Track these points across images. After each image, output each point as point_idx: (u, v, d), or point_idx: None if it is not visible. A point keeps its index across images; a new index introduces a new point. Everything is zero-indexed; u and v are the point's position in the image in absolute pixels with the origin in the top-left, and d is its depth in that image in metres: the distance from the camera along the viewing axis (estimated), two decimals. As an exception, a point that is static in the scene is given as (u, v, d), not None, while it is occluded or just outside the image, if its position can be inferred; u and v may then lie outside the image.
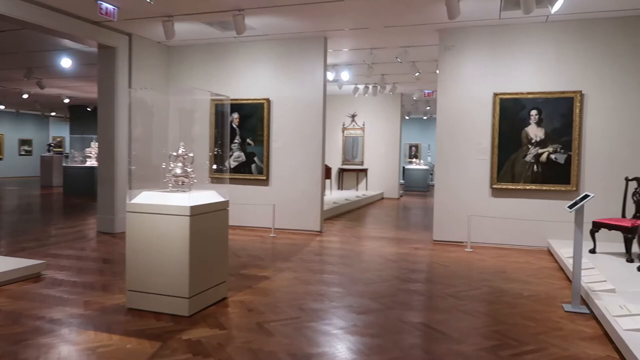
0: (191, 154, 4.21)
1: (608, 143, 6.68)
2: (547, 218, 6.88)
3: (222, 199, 4.38)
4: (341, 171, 15.28)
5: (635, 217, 5.77)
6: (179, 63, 8.93)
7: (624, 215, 5.98)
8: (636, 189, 5.88)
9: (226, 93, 8.61)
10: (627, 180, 6.05)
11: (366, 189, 14.94)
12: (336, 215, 10.46)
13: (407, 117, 19.97)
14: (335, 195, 12.71)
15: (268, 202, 8.18)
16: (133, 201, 4.07)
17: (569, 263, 5.39)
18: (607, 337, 3.57)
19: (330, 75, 10.44)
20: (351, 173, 15.20)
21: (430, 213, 11.53)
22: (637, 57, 6.54)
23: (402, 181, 17.08)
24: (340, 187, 15.28)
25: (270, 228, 8.01)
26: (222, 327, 3.73)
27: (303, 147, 8.19)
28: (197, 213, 3.97)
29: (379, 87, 12.34)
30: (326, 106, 8.39)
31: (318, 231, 8.14)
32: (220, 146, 8.81)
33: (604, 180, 6.65)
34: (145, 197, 4.06)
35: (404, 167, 18.56)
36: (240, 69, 8.52)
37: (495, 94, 7.05)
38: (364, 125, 15.10)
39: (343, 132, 15.31)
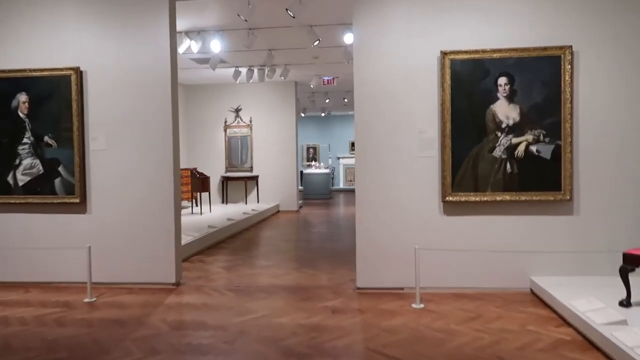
0: None
1: (617, 125, 4.40)
2: (529, 246, 4.45)
3: None
4: (225, 180, 12.11)
5: (696, 244, 3.48)
6: None
7: (666, 240, 3.68)
8: (685, 195, 3.61)
9: (4, 59, 5.13)
10: (664, 181, 3.77)
11: (257, 202, 11.95)
12: (212, 244, 7.32)
13: (302, 115, 17.33)
14: (215, 214, 9.55)
15: (84, 242, 4.84)
16: None
17: (609, 335, 2.91)
18: None
19: (195, 46, 7.32)
20: (238, 182, 12.09)
21: (338, 229, 8.90)
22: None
23: (300, 187, 14.37)
24: (224, 200, 12.10)
25: (88, 285, 4.65)
26: None
27: (143, 146, 4.97)
28: None
29: (267, 69, 9.45)
30: (177, 80, 5.28)
31: (172, 284, 4.98)
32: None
33: (616, 182, 4.36)
34: None
35: (301, 172, 15.88)
36: (28, 21, 5.06)
37: (444, 53, 4.47)
38: (251, 121, 12.09)
39: (225, 131, 12.17)
